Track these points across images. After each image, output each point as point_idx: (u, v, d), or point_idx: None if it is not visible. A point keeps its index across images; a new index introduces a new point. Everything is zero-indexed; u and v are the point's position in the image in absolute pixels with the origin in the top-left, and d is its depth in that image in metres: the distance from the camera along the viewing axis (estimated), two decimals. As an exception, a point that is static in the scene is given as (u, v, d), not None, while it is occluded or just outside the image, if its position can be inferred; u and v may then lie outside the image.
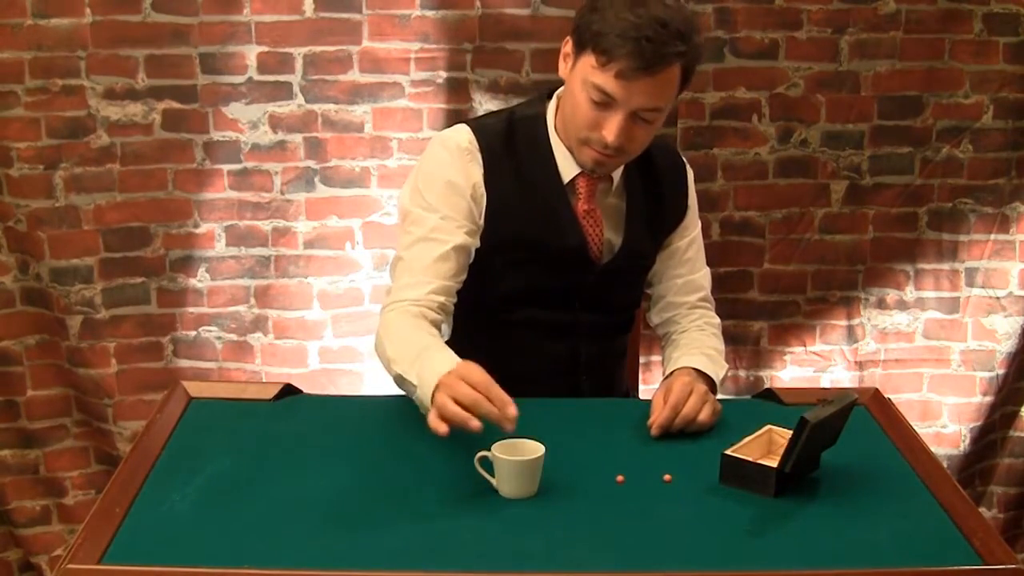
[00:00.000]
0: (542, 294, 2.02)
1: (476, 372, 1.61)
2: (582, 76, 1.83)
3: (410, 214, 1.96)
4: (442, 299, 1.90)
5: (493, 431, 1.60)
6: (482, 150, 1.95)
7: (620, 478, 1.65)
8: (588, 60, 1.81)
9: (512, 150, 1.97)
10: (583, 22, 1.83)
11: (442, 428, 1.57)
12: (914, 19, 2.75)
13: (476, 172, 1.95)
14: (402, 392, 1.80)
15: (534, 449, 1.60)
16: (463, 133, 1.97)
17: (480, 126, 1.99)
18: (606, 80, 1.79)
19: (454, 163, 1.94)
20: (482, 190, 1.95)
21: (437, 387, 1.62)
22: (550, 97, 2.00)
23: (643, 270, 2.13)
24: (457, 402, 1.57)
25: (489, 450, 1.59)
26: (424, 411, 1.67)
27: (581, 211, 1.99)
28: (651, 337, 2.77)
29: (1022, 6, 2.75)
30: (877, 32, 2.75)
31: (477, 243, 1.96)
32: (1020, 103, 2.82)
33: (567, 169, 1.97)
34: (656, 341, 2.80)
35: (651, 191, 2.06)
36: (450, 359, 1.68)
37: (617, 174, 2.01)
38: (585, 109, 1.85)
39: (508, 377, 2.04)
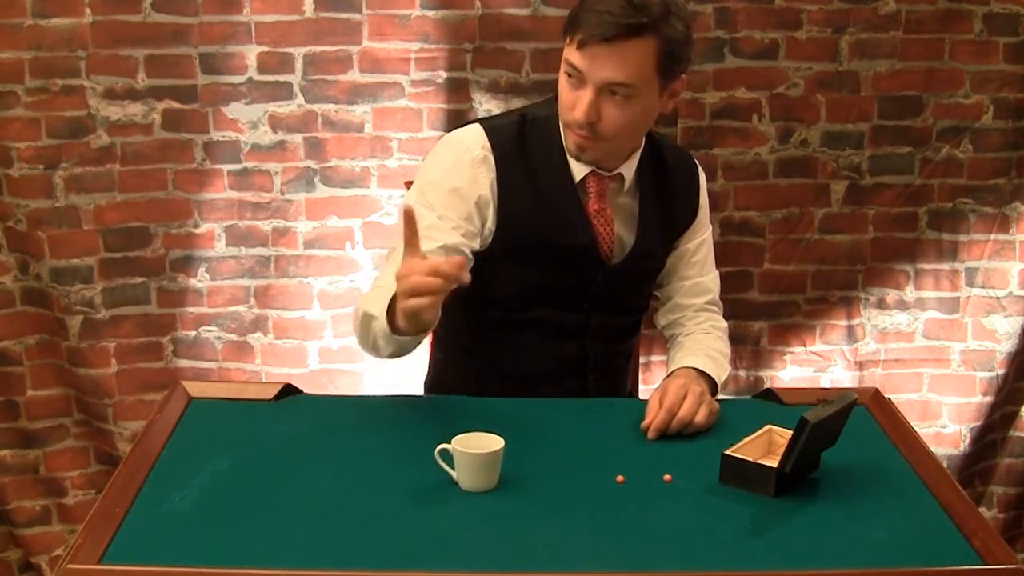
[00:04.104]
0: (553, 294, 2.03)
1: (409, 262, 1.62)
2: (563, 58, 1.88)
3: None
4: None
5: (458, 427, 1.61)
6: (495, 153, 1.96)
7: (620, 478, 1.65)
8: (567, 41, 1.87)
9: (524, 151, 1.98)
10: (569, 13, 1.88)
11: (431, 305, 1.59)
12: (914, 19, 2.75)
13: (486, 178, 1.95)
14: (404, 393, 1.80)
15: (494, 443, 1.61)
16: (476, 137, 1.98)
17: (493, 128, 2.00)
18: (572, 53, 1.85)
19: (461, 168, 1.95)
20: (488, 196, 1.96)
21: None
22: None
23: (653, 272, 2.13)
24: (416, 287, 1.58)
25: (452, 444, 1.61)
26: (386, 340, 1.74)
27: (592, 210, 2.00)
28: (651, 337, 2.78)
29: (1022, 6, 2.75)
30: (877, 32, 2.75)
31: (474, 246, 1.96)
32: (1020, 103, 2.82)
33: (578, 168, 1.98)
34: (656, 341, 2.81)
35: (663, 192, 2.07)
36: None
37: (629, 174, 2.02)
38: (564, 90, 1.90)
39: (518, 376, 2.06)
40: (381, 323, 1.73)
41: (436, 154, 2.01)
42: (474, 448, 1.60)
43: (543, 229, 1.98)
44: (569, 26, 1.86)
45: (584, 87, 1.85)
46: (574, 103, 1.87)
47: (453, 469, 1.61)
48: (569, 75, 1.87)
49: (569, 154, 1.97)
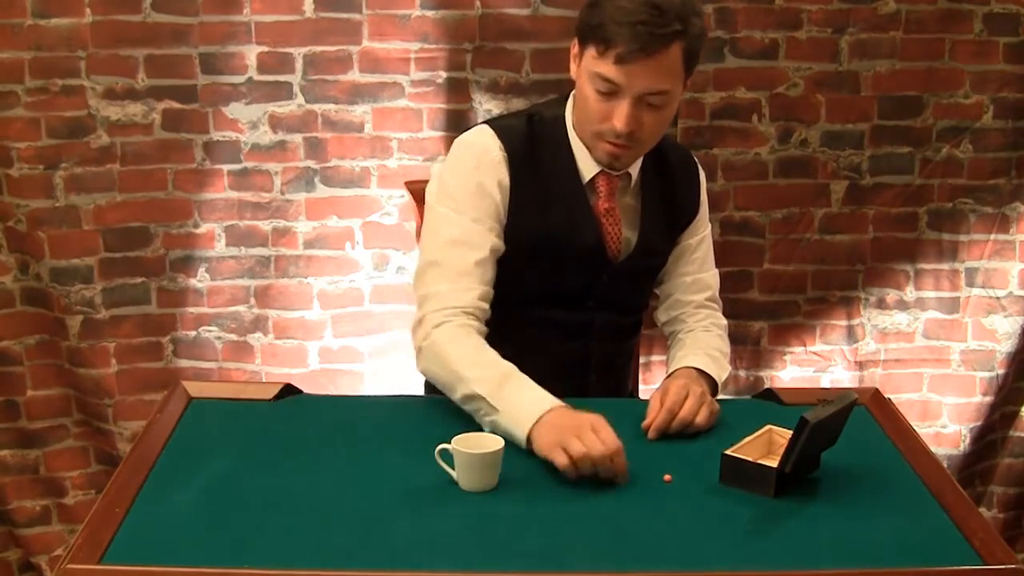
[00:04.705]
0: (558, 293, 2.03)
1: (606, 430, 1.66)
2: (587, 70, 1.87)
3: (437, 213, 1.97)
4: (486, 306, 1.93)
5: (458, 427, 1.61)
6: (506, 152, 1.96)
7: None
8: (590, 53, 1.85)
9: (533, 151, 1.98)
10: (583, 18, 1.87)
11: (572, 471, 1.64)
12: (914, 19, 2.75)
13: (504, 175, 1.96)
14: (404, 393, 1.80)
15: (494, 443, 1.62)
16: (489, 138, 1.98)
17: (502, 128, 2.00)
18: (607, 68, 1.83)
19: (482, 168, 1.96)
20: (507, 185, 1.96)
21: (542, 424, 1.69)
22: (567, 99, 2.01)
23: (656, 269, 2.14)
24: (585, 451, 1.63)
25: (452, 444, 1.62)
26: (494, 431, 1.74)
27: (601, 209, 2.00)
28: (651, 337, 2.78)
29: (1022, 6, 2.75)
30: (877, 32, 2.75)
31: (504, 245, 1.97)
32: (1020, 103, 2.82)
33: (587, 168, 1.98)
34: (656, 341, 2.81)
35: (665, 190, 2.08)
36: (542, 395, 1.76)
37: (635, 172, 2.02)
38: (593, 102, 1.88)
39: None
40: (510, 428, 1.74)
41: (455, 158, 2.00)
42: (474, 448, 1.60)
43: (551, 228, 1.98)
44: (593, 38, 1.84)
45: (619, 98, 1.85)
46: (608, 114, 1.87)
47: (453, 469, 1.61)
48: (600, 89, 1.85)
49: (601, 163, 1.97)
